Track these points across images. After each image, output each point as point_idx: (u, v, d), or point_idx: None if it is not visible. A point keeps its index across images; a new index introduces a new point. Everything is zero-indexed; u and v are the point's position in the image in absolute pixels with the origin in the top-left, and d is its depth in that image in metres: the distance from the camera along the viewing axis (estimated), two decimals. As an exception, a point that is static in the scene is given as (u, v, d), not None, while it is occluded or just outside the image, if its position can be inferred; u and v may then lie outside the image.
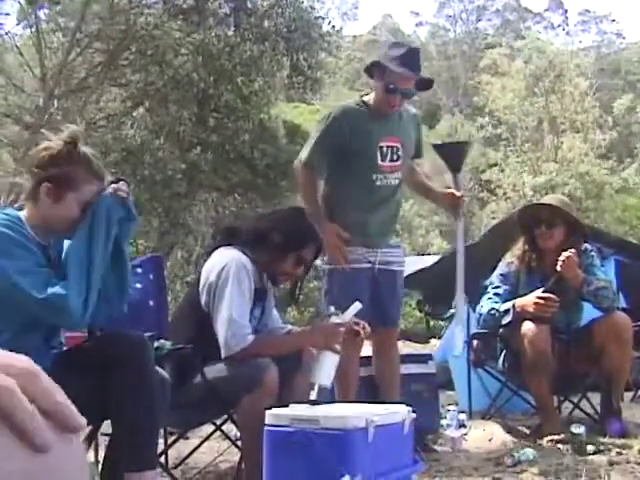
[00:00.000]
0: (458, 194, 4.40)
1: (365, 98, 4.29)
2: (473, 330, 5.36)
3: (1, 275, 2.53)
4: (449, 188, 4.48)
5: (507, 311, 4.62)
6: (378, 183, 4.19)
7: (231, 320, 3.28)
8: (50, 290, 2.56)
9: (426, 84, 4.32)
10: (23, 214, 2.73)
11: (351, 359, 4.14)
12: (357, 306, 3.46)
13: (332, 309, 3.53)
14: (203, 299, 3.40)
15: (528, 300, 4.54)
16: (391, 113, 4.22)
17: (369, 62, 4.34)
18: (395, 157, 4.23)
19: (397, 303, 4.38)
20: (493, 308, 4.69)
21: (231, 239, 3.55)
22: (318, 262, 4.24)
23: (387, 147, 4.20)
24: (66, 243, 2.81)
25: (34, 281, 2.56)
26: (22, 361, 0.60)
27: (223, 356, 3.29)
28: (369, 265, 4.20)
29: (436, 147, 4.57)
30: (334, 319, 3.45)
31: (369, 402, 3.37)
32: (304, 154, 4.21)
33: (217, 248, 3.54)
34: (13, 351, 0.58)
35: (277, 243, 3.48)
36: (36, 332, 2.72)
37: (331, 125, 4.17)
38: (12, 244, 2.59)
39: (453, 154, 4.53)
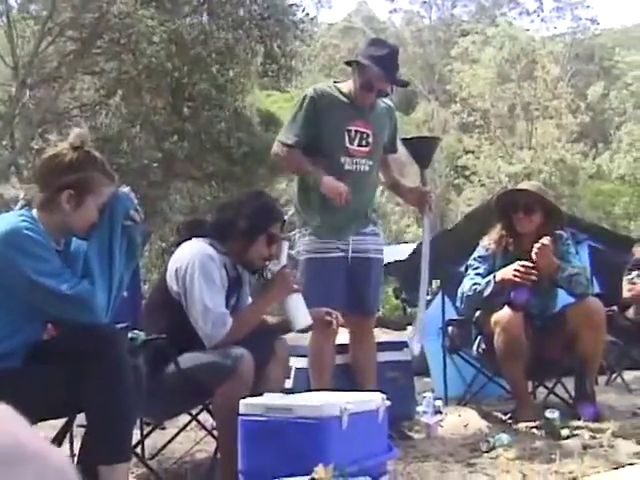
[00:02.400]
0: (425, 190, 4.40)
1: (339, 85, 4.30)
2: (448, 316, 5.39)
3: (25, 275, 2.57)
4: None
5: (488, 282, 4.65)
6: (347, 167, 4.18)
7: (207, 310, 3.29)
8: (78, 286, 2.62)
9: (402, 83, 4.32)
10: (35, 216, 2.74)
11: (325, 347, 4.16)
12: (285, 244, 3.57)
13: (269, 266, 3.57)
14: (174, 289, 3.40)
15: (507, 270, 4.58)
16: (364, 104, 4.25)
17: (350, 58, 4.39)
18: (364, 143, 4.23)
19: (374, 291, 4.36)
20: (475, 283, 4.73)
21: (197, 232, 3.55)
22: (292, 252, 4.23)
23: (356, 131, 4.20)
24: (74, 244, 2.84)
25: (61, 280, 2.61)
26: None
27: (208, 347, 3.30)
28: (342, 254, 4.19)
29: (405, 142, 4.54)
30: (274, 269, 3.53)
31: (345, 390, 3.39)
32: (282, 136, 4.21)
33: (184, 241, 3.53)
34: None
35: (244, 229, 3.48)
36: (36, 325, 2.78)
37: (306, 105, 4.18)
38: (37, 246, 2.62)
39: (422, 150, 4.50)
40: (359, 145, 4.21)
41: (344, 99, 4.21)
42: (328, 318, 3.66)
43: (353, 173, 4.19)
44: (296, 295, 3.48)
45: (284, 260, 3.53)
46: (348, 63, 4.34)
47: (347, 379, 4.29)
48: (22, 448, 0.82)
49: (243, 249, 3.50)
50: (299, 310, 3.49)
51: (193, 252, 3.40)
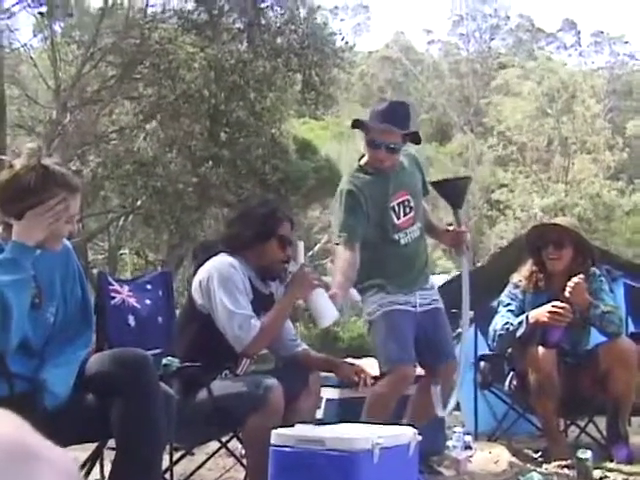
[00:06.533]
0: (460, 230, 4.37)
1: (363, 162, 4.23)
2: (480, 352, 5.35)
3: None
4: (451, 225, 4.44)
5: (521, 323, 4.61)
6: (402, 242, 4.16)
7: (231, 314, 3.35)
8: None
9: (415, 138, 4.18)
10: None
11: (391, 400, 4.05)
12: (301, 244, 3.64)
13: (289, 268, 3.59)
14: (199, 302, 3.48)
15: (542, 310, 4.53)
16: (389, 169, 4.16)
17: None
18: (408, 210, 4.19)
19: (448, 337, 4.35)
20: (507, 322, 4.68)
21: (212, 252, 3.59)
22: (363, 316, 4.25)
23: (398, 204, 4.16)
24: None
25: None
26: None
27: (238, 351, 3.38)
28: (412, 308, 4.16)
29: (435, 185, 4.47)
30: (292, 269, 3.55)
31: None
32: (344, 235, 4.04)
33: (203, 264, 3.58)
34: None
35: (253, 237, 3.54)
36: None
37: (350, 200, 4.08)
38: None
39: (452, 191, 4.44)
40: (404, 215, 4.17)
41: (374, 178, 4.14)
42: (356, 378, 3.62)
43: (409, 244, 4.19)
44: (319, 291, 3.50)
45: (301, 260, 3.56)
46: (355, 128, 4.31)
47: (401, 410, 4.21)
48: (31, 448, 0.84)
49: (258, 257, 3.55)
50: (324, 306, 3.50)
51: (213, 264, 3.49)
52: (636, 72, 46.34)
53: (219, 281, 3.40)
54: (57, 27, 15.55)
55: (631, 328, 6.28)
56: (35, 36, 16.06)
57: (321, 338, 17.62)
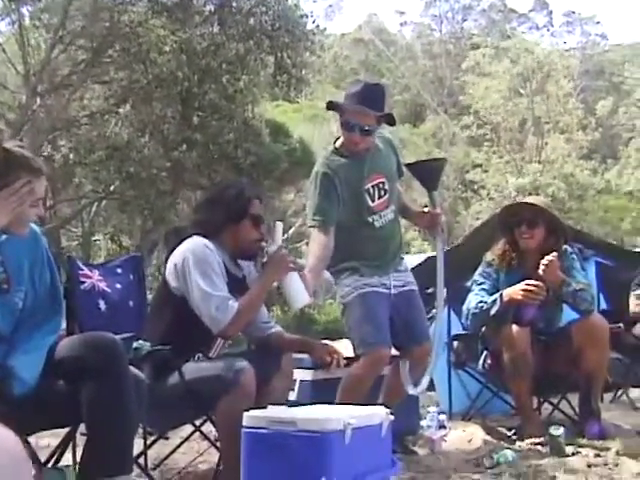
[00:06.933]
0: (435, 212, 4.35)
1: (338, 144, 4.21)
2: (454, 331, 5.37)
3: None
4: (426, 207, 4.42)
5: (495, 301, 4.63)
6: (377, 224, 4.16)
7: (208, 295, 3.33)
8: None
9: (390, 119, 4.16)
10: None
11: (367, 381, 4.07)
12: (279, 225, 3.59)
13: (266, 248, 3.56)
14: (174, 285, 3.44)
15: (516, 288, 4.56)
16: (364, 152, 4.14)
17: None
18: (382, 192, 4.18)
19: (422, 318, 4.33)
20: (481, 301, 4.70)
21: (184, 236, 3.56)
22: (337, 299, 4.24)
23: (372, 186, 4.15)
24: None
25: None
26: None
27: (215, 333, 3.36)
28: (386, 290, 4.16)
29: (410, 167, 4.45)
30: (271, 250, 3.52)
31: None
32: (317, 217, 4.05)
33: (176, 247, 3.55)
34: None
35: (226, 219, 3.52)
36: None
37: (324, 183, 4.07)
38: None
39: (428, 173, 4.41)
40: (379, 197, 4.17)
41: (350, 161, 4.13)
42: (328, 359, 3.62)
43: (384, 227, 4.19)
44: (293, 274, 3.50)
45: (279, 241, 3.55)
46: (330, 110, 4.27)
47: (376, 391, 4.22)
48: None
49: (233, 238, 3.54)
50: (297, 289, 3.51)
51: (188, 246, 3.45)
52: (607, 52, 46.57)
53: (194, 263, 3.38)
54: (25, 11, 15.37)
55: (603, 305, 6.35)
56: (2, 20, 15.86)
57: (297, 321, 17.66)
